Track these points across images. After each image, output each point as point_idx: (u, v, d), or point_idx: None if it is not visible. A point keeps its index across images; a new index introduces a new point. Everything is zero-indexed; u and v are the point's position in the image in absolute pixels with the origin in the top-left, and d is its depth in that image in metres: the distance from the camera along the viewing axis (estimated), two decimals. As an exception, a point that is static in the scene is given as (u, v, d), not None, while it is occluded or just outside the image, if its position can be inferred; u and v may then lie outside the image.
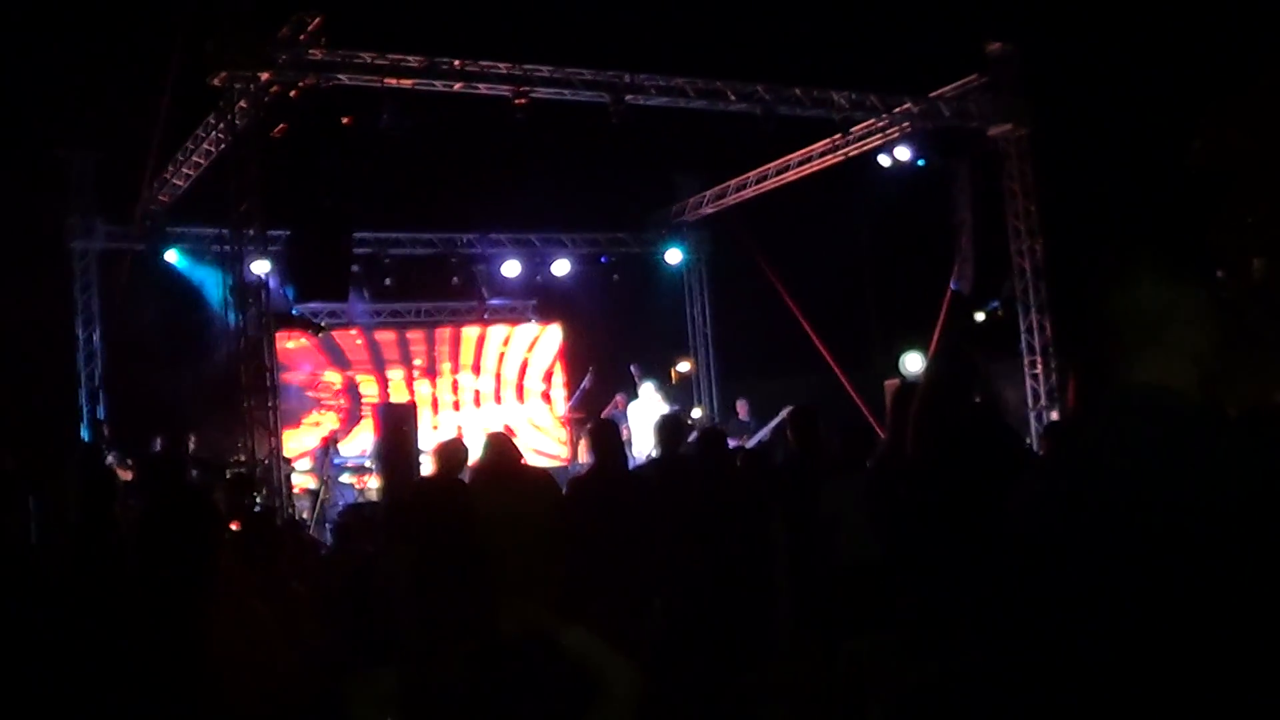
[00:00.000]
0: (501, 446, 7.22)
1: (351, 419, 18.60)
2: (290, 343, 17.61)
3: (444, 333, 19.82)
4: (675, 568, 6.82)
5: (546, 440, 19.74)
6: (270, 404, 12.10)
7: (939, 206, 15.80)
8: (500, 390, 20.16)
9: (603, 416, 14.81)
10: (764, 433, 14.81)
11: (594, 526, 6.74)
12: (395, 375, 19.24)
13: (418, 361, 19.49)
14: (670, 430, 7.74)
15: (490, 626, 4.79)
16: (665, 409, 13.81)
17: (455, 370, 19.83)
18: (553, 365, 20.50)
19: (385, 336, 19.27)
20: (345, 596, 6.70)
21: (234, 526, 7.41)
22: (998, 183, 15.41)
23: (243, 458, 12.07)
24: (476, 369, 19.99)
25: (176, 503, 3.98)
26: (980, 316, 15.49)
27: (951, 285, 15.81)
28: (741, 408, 16.32)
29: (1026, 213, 15.32)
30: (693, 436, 14.53)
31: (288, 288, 14.73)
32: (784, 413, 14.57)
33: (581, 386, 17.63)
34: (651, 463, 8.39)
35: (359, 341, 19.05)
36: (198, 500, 4.13)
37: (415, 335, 19.55)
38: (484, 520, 6.40)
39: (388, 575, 6.53)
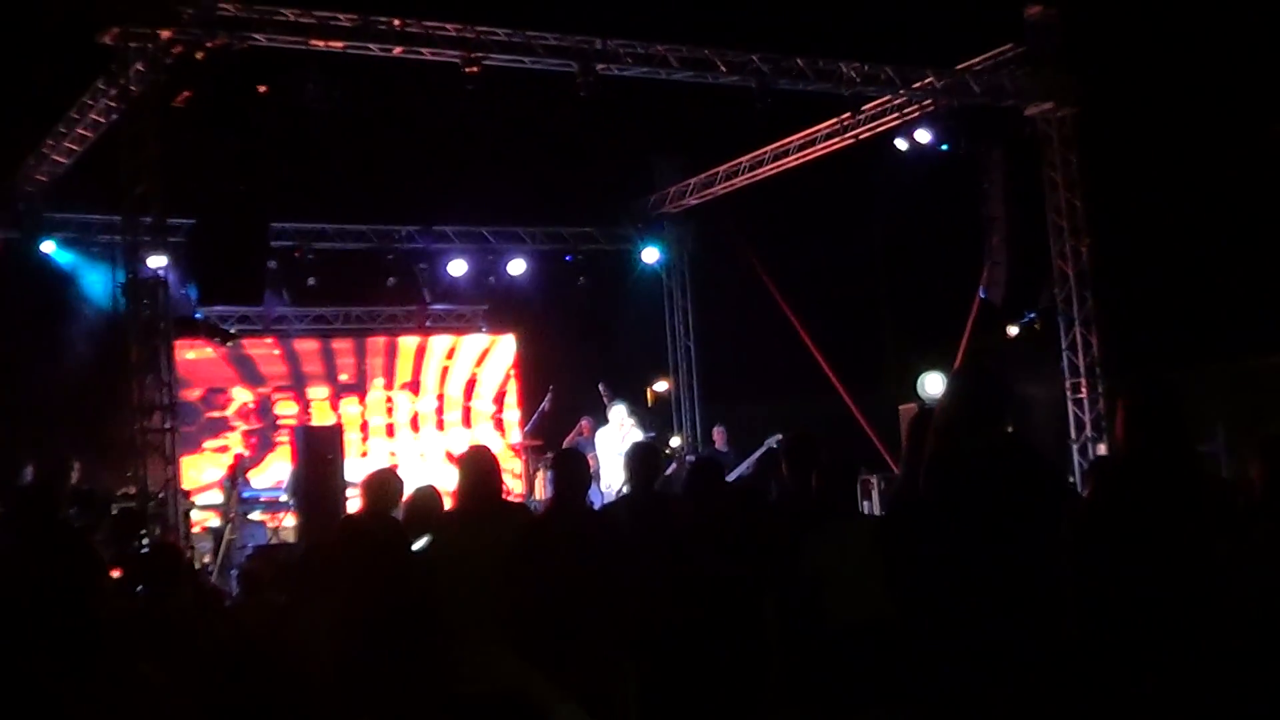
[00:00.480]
0: (482, 472, 7.12)
1: (264, 445, 18.51)
2: (192, 353, 17.50)
3: (377, 343, 19.78)
4: (650, 626, 6.78)
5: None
6: (167, 425, 12.01)
7: (966, 200, 15.85)
8: (443, 412, 20.12)
9: (565, 445, 14.76)
10: (744, 467, 14.83)
11: (553, 576, 6.69)
12: (318, 394, 19.19)
13: (344, 377, 19.44)
14: (643, 461, 7.68)
15: (441, 689, 4.76)
16: (638, 436, 13.78)
17: (389, 387, 19.78)
18: (505, 383, 20.46)
19: (307, 347, 19.21)
20: (251, 658, 6.64)
21: (115, 574, 7.34)
22: (1036, 172, 15.44)
23: (132, 490, 11.97)
24: (415, 387, 19.95)
25: (47, 545, 3.92)
26: (1014, 330, 15.54)
27: (980, 293, 15.85)
28: (719, 436, 16.32)
29: (1070, 208, 15.35)
30: (671, 469, 14.69)
31: (190, 287, 14.68)
32: (770, 442, 14.71)
33: (540, 409, 17.59)
34: (622, 500, 8.36)
35: (275, 352, 18.97)
36: (74, 542, 4.07)
37: (342, 345, 19.49)
38: (452, 567, 6.38)
39: (304, 633, 6.48)
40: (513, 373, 20.45)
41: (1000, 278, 15.71)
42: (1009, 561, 4.94)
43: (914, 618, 5.31)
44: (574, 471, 7.26)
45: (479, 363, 20.34)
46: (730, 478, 14.28)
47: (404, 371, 19.86)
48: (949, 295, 16.44)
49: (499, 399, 20.40)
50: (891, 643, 5.62)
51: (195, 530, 14.86)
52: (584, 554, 6.78)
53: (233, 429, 18.43)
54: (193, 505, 15.51)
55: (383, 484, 7.46)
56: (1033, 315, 15.48)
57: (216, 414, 18.35)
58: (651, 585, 6.84)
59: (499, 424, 20.31)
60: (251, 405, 18.63)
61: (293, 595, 7.67)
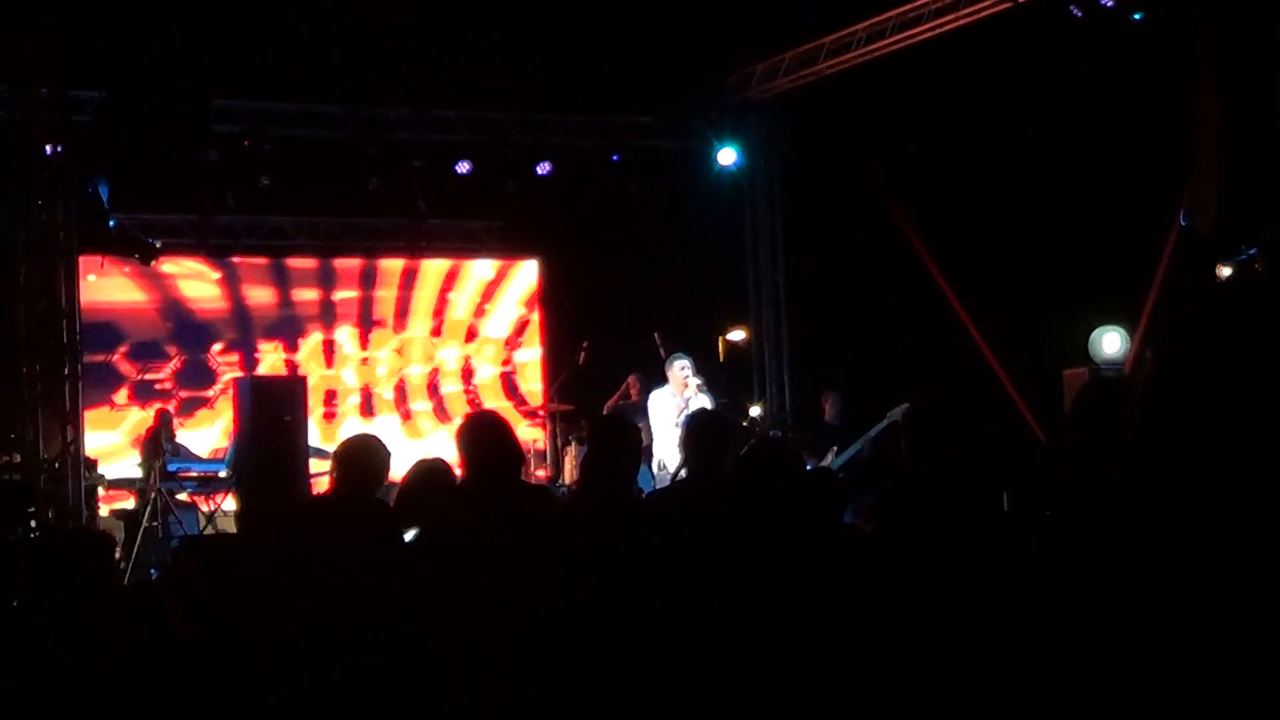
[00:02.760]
0: (491, 443, 7.02)
1: (196, 401, 18.64)
2: (95, 275, 17.62)
3: (351, 266, 19.82)
4: (706, 659, 6.69)
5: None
6: (67, 371, 12.07)
7: (1164, 89, 15.68)
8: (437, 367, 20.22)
9: (607, 410, 14.76)
10: (859, 446, 14.77)
11: (577, 590, 6.60)
12: (270, 334, 19.39)
13: (309, 316, 19.51)
14: (707, 433, 7.59)
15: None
16: (705, 402, 13.76)
17: (366, 327, 19.84)
18: (524, 327, 20.49)
19: (255, 269, 19.28)
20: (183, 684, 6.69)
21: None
22: (1268, 49, 15.24)
23: (17, 457, 12.04)
24: (400, 325, 20.00)
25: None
26: (1226, 271, 15.36)
27: (1181, 220, 15.70)
28: (829, 405, 16.22)
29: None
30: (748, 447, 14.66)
31: (100, 184, 14.70)
32: (895, 414, 14.64)
33: (576, 362, 17.62)
34: (678, 486, 8.32)
35: (214, 276, 19.03)
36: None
37: (303, 267, 19.55)
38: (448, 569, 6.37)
39: (249, 657, 6.52)
40: (534, 314, 20.46)
41: (1210, 200, 15.53)
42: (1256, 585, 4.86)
43: (1096, 667, 5.25)
44: (616, 445, 7.13)
45: (487, 298, 20.35)
46: (838, 461, 14.31)
47: (385, 305, 19.95)
48: (1136, 223, 16.29)
49: (512, 346, 20.44)
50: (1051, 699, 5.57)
51: (103, 513, 14.98)
52: (620, 560, 6.64)
53: (155, 379, 18.52)
54: (100, 479, 15.61)
55: (364, 452, 7.44)
56: (1253, 251, 15.28)
57: (133, 359, 18.45)
58: (704, 598, 6.69)
59: (510, 379, 20.37)
60: (179, 348, 18.71)
61: (233, 605, 7.71)
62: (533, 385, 20.44)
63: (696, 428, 7.70)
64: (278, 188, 17.90)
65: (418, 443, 19.11)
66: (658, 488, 12.60)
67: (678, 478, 9.45)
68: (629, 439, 7.26)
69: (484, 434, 6.95)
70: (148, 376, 18.52)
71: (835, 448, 14.82)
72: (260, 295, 19.28)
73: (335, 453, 7.71)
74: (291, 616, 6.43)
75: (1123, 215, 16.41)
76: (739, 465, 8.05)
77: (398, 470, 7.85)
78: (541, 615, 6.43)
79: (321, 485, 12.76)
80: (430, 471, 7.54)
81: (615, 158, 19.49)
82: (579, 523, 6.94)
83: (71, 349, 12.11)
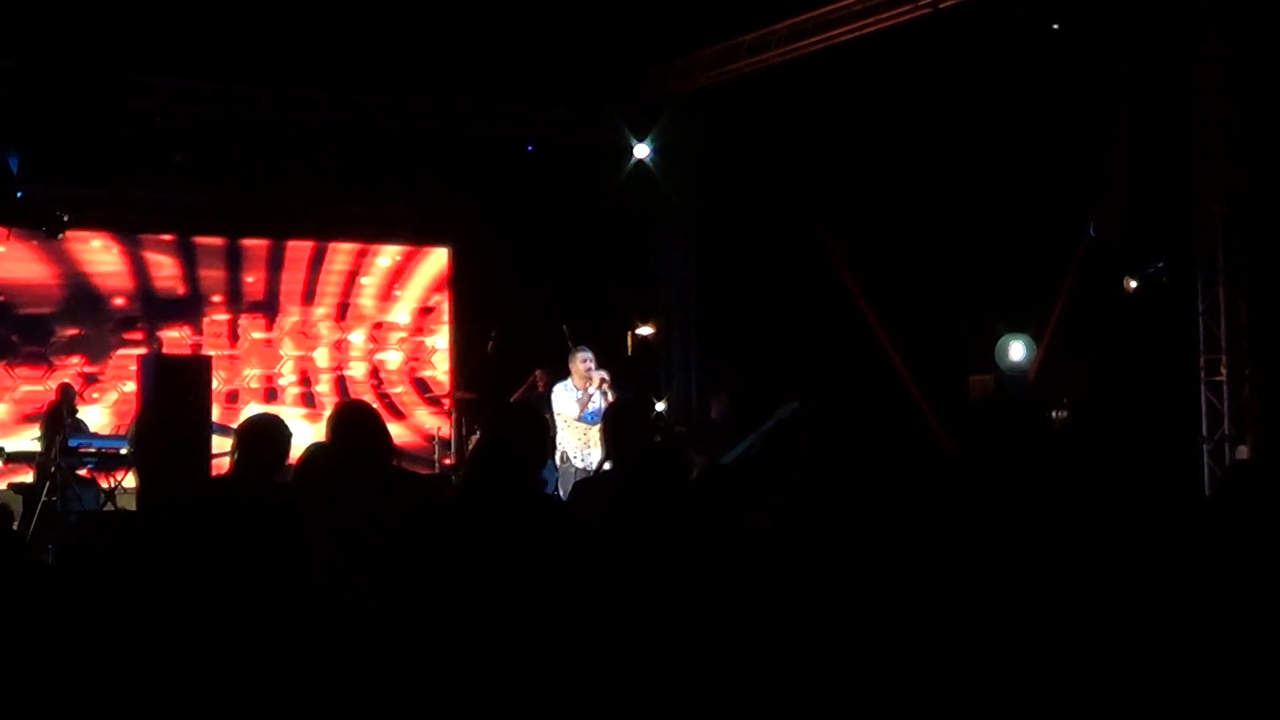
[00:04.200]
0: (359, 425, 6.99)
1: (92, 378, 18.54)
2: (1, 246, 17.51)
3: (258, 247, 19.78)
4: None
5: (408, 435, 19.86)
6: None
7: (1078, 99, 15.81)
8: (344, 351, 20.17)
9: (515, 400, 14.76)
10: (748, 443, 14.84)
11: (463, 599, 6.31)
12: (172, 312, 19.27)
13: (216, 298, 19.43)
14: (628, 422, 7.62)
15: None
16: (606, 395, 13.81)
17: (273, 311, 19.79)
18: (430, 313, 20.46)
19: (162, 244, 19.18)
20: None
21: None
22: (1178, 66, 15.33)
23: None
24: (307, 309, 19.96)
25: None
26: (1132, 284, 15.48)
27: (1090, 231, 15.83)
28: (716, 405, 16.31)
29: (1225, 121, 15.22)
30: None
31: (10, 155, 14.60)
32: (783, 412, 14.73)
33: (486, 350, 17.60)
34: (598, 480, 8.25)
35: (112, 252, 18.91)
36: None
37: (210, 245, 19.48)
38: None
39: (148, 637, 6.48)
40: (444, 302, 20.45)
41: (1118, 211, 15.66)
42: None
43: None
44: (521, 432, 6.77)
45: (395, 284, 20.32)
46: (728, 458, 14.36)
47: (292, 285, 19.90)
48: (1045, 231, 16.39)
49: (419, 334, 20.42)
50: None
51: (1, 487, 14.89)
52: (523, 556, 6.35)
53: (53, 355, 18.39)
54: (0, 452, 15.52)
55: (265, 432, 7.40)
56: (1160, 264, 15.39)
57: (31, 333, 18.34)
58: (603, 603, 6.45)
59: (414, 369, 20.35)
60: (78, 323, 18.61)
61: (131, 584, 7.65)
62: (439, 373, 20.40)
63: (620, 417, 7.73)
64: (189, 166, 17.82)
65: (319, 427, 19.04)
66: (567, 478, 12.69)
67: (602, 469, 9.39)
68: (532, 428, 6.95)
69: (351, 422, 6.92)
70: (44, 350, 18.36)
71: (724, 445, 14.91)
72: (166, 274, 19.13)
73: (236, 432, 7.62)
74: (189, 599, 6.38)
75: (1032, 224, 16.53)
76: (607, 419, 8.05)
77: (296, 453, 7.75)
78: (425, 611, 6.11)
79: (222, 464, 12.73)
80: (324, 455, 7.43)
81: (529, 148, 19.47)
82: (466, 515, 6.60)
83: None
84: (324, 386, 19.98)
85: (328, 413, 17.50)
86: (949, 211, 17.69)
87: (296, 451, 7.54)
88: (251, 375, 19.58)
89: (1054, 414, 11.77)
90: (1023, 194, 16.68)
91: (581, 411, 13.74)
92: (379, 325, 20.37)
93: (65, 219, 16.54)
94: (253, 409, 18.59)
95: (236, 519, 6.83)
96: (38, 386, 17.96)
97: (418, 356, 20.58)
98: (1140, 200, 15.64)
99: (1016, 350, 15.68)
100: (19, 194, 15.23)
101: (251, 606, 6.11)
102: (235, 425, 8.31)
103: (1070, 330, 16.07)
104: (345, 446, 6.82)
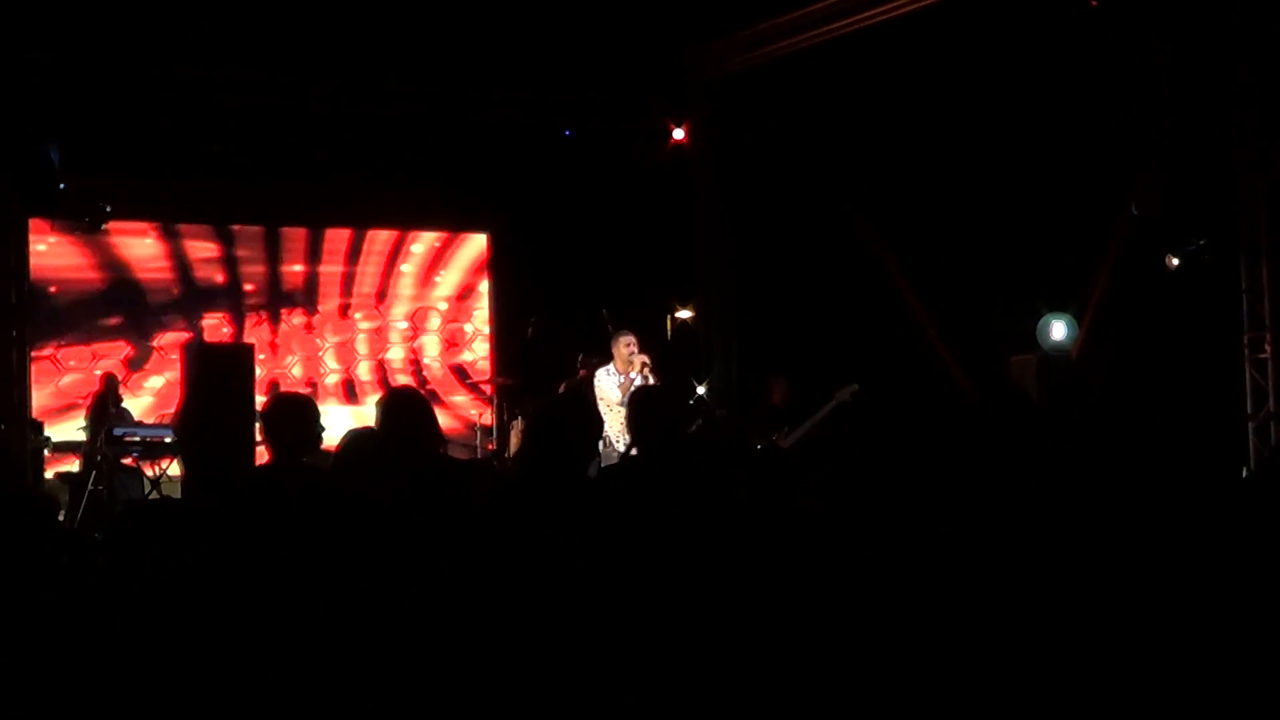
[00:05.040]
0: (411, 412, 6.95)
1: (140, 362, 18.69)
2: (44, 243, 17.66)
3: (295, 237, 19.86)
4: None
5: (448, 420, 19.76)
6: (14, 334, 12.04)
7: (1117, 76, 15.76)
8: (385, 333, 20.26)
9: (564, 390, 14.77)
10: (806, 428, 14.80)
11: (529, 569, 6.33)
12: (216, 301, 19.36)
13: (254, 287, 19.52)
14: (654, 411, 7.40)
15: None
16: (651, 379, 13.83)
17: (313, 299, 19.89)
18: (469, 298, 20.51)
19: (199, 236, 19.27)
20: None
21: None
22: (1217, 40, 15.24)
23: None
24: (343, 292, 20.03)
25: None
26: (1174, 261, 15.42)
27: (1132, 209, 15.76)
28: (779, 389, 16.25)
29: (1265, 94, 15.10)
30: (694, 426, 14.66)
31: (51, 147, 14.63)
32: (843, 395, 14.71)
33: (526, 336, 17.63)
34: (628, 463, 8.22)
35: (152, 242, 19.02)
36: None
37: (248, 235, 19.59)
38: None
39: (193, 624, 6.51)
40: (483, 289, 20.49)
41: (1159, 187, 15.58)
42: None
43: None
44: (573, 422, 6.76)
45: (435, 270, 20.37)
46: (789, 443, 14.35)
47: (330, 277, 19.98)
48: (1086, 210, 16.33)
49: (459, 321, 20.46)
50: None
51: (46, 476, 14.95)
52: (576, 543, 6.36)
53: (96, 344, 18.51)
54: (46, 442, 15.57)
55: (293, 411, 7.34)
56: (1202, 241, 15.30)
57: (74, 323, 18.44)
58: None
59: (455, 357, 20.41)
60: (121, 315, 18.73)
61: (177, 572, 7.69)
62: (478, 359, 20.45)
63: (645, 404, 7.59)
64: (228, 155, 17.87)
65: (359, 413, 19.15)
66: (603, 465, 12.67)
67: (628, 456, 9.34)
68: (586, 415, 7.03)
69: (403, 409, 6.89)
70: (87, 340, 18.44)
71: (786, 428, 14.86)
72: (205, 263, 19.21)
73: (261, 414, 7.55)
74: (236, 587, 6.41)
75: (1073, 202, 16.46)
76: (690, 444, 7.98)
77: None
78: (477, 599, 6.10)
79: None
80: (366, 440, 7.34)
81: (567, 133, 19.48)
82: (528, 500, 6.55)
83: (19, 311, 12.07)
84: (364, 374, 20.03)
85: (370, 399, 17.69)
86: (988, 191, 17.65)
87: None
88: (292, 363, 19.64)
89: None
90: (1062, 172, 16.61)
91: (624, 396, 13.75)
92: (418, 311, 20.41)
93: (108, 209, 16.62)
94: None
95: (284, 506, 6.83)
96: (80, 376, 18.03)
97: (456, 342, 20.62)
98: (1181, 176, 15.55)
99: (1058, 330, 15.64)
100: (61, 185, 15.28)
101: (300, 593, 6.14)
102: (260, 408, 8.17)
103: (1112, 309, 16.01)
104: (397, 433, 6.80)
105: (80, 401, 17.27)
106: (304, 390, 18.61)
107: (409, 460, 6.75)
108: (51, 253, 17.96)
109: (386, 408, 6.97)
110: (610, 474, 8.46)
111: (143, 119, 15.93)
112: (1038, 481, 5.77)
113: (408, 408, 6.98)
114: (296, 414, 7.30)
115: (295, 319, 19.73)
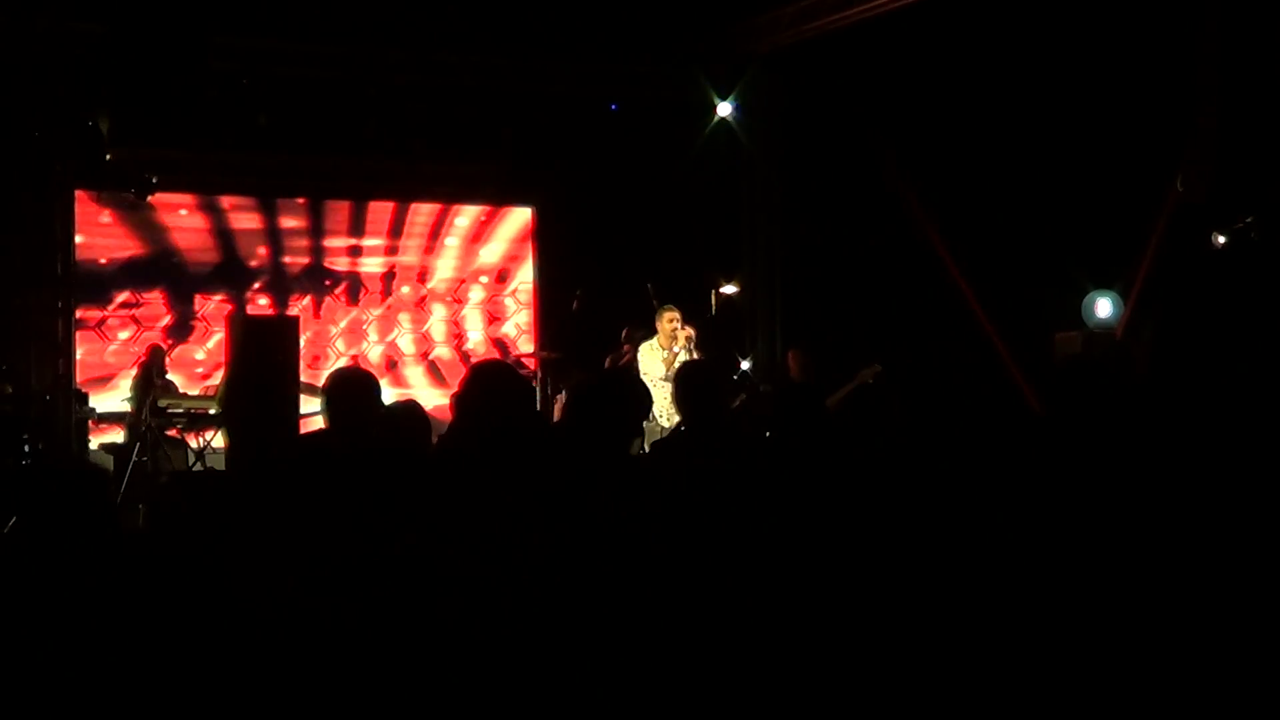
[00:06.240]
0: (506, 383, 6.71)
1: (182, 334, 18.80)
2: (95, 221, 17.72)
3: (339, 209, 19.95)
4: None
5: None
6: (60, 305, 12.11)
7: (1165, 54, 15.71)
8: (424, 306, 20.38)
9: (609, 365, 14.80)
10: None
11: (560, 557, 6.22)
12: (253, 277, 19.52)
13: (297, 259, 19.64)
14: (696, 384, 7.47)
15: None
16: (695, 353, 13.86)
17: (356, 271, 19.95)
18: (514, 274, 20.57)
19: (243, 208, 19.39)
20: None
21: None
22: (1266, 17, 15.18)
23: (9, 388, 12.09)
24: (386, 265, 20.13)
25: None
26: (1220, 239, 15.38)
27: (1178, 186, 15.72)
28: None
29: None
30: (737, 401, 14.69)
31: (100, 118, 14.68)
32: (865, 375, 14.74)
33: (571, 310, 17.64)
34: (678, 437, 8.17)
35: (196, 214, 19.08)
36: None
37: (292, 207, 19.70)
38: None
39: (240, 596, 6.55)
40: (528, 263, 20.55)
41: (1208, 167, 15.53)
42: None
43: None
44: (622, 400, 6.76)
45: (479, 243, 20.42)
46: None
47: (373, 249, 20.05)
48: (1132, 187, 16.28)
49: (503, 295, 20.52)
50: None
51: (92, 447, 14.99)
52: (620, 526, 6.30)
53: (141, 315, 18.59)
54: (90, 413, 15.63)
55: (356, 385, 7.37)
56: (1249, 219, 15.25)
57: (118, 294, 18.50)
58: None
59: (498, 330, 20.48)
60: (165, 287, 18.83)
61: (222, 543, 7.73)
62: (522, 333, 20.51)
63: (690, 380, 7.61)
64: (272, 127, 17.90)
65: (399, 388, 19.27)
66: (651, 439, 12.67)
67: (670, 431, 9.34)
68: (634, 389, 7.06)
69: (496, 380, 6.77)
70: (132, 311, 18.50)
71: None
72: (248, 235, 19.29)
73: (324, 388, 7.53)
74: (279, 559, 6.42)
75: (1119, 180, 16.42)
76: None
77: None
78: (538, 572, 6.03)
79: (310, 425, 12.80)
80: (409, 414, 7.28)
81: (613, 107, 19.48)
82: (569, 476, 6.45)
83: (65, 281, 12.15)
84: (406, 345, 20.10)
85: (410, 370, 17.74)
86: (1035, 168, 17.61)
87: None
88: (335, 334, 19.71)
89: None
90: (1109, 150, 16.57)
91: (667, 370, 13.79)
92: (461, 283, 20.46)
93: (154, 180, 16.67)
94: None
95: (332, 476, 6.84)
96: (123, 347, 18.09)
97: (500, 316, 20.67)
98: (1228, 155, 15.51)
99: (1104, 307, 15.60)
100: (107, 156, 15.33)
101: (343, 565, 6.16)
102: (321, 384, 8.20)
103: (1158, 286, 15.97)
104: (494, 403, 6.70)
105: (121, 371, 17.42)
106: (348, 361, 18.73)
107: (509, 431, 6.62)
108: (95, 223, 18.02)
109: (478, 378, 6.84)
110: (660, 447, 8.46)
111: (188, 90, 15.97)
112: (1084, 460, 5.77)
113: (501, 378, 6.86)
114: (360, 388, 7.37)
115: (338, 292, 19.78)
